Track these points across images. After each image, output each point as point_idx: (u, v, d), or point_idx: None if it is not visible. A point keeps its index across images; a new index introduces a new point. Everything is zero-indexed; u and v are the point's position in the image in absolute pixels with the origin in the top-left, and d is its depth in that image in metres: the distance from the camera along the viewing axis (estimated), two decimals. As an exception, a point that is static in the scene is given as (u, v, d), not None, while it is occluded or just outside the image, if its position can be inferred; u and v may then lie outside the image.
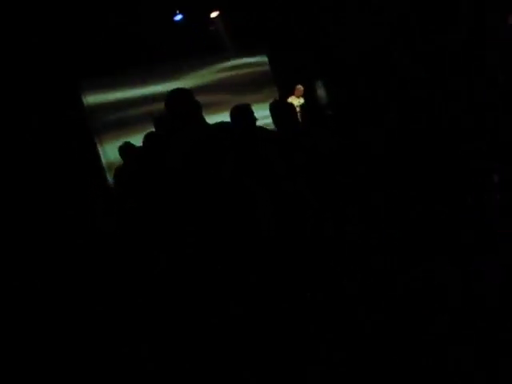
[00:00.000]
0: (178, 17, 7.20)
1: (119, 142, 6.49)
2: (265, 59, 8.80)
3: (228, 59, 8.15)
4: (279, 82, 8.65)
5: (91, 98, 6.60)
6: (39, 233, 4.67)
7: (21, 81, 5.40)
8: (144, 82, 7.04)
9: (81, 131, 6.16)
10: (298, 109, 4.65)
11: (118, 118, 6.79)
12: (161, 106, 2.65)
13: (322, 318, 2.65)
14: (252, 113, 3.21)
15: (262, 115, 3.56)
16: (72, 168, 5.61)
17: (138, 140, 6.47)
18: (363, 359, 2.61)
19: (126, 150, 4.33)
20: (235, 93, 7.60)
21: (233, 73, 8.24)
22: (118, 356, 2.93)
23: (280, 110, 3.43)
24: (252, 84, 8.31)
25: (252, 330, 2.32)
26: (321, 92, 8.18)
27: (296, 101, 7.37)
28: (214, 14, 7.68)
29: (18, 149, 5.28)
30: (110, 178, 6.35)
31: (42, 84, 5.63)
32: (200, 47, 7.35)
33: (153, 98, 6.87)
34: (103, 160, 6.54)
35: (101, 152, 6.54)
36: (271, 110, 3.42)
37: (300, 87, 7.77)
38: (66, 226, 4.79)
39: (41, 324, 3.38)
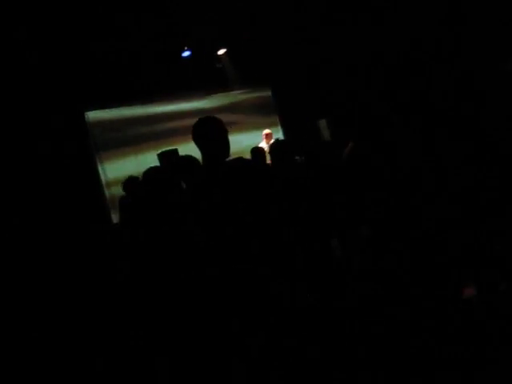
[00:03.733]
0: (186, 53, 7.36)
1: (120, 160, 6.64)
2: (269, 94, 8.95)
3: (232, 91, 8.31)
4: (283, 118, 8.77)
5: (92, 115, 6.66)
6: (37, 244, 4.72)
7: (24, 99, 5.49)
8: (146, 103, 7.19)
9: (82, 148, 6.21)
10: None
11: (119, 136, 6.86)
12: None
13: (321, 320, 2.69)
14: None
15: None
16: (71, 183, 5.66)
17: (138, 159, 6.72)
18: (362, 361, 2.64)
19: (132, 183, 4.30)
20: (236, 119, 7.77)
21: (236, 102, 8.39)
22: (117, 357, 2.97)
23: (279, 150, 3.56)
24: (254, 113, 8.51)
25: (252, 329, 2.34)
26: (324, 130, 8.13)
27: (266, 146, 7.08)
28: (220, 52, 7.87)
29: (19, 163, 5.34)
30: (108, 192, 6.44)
31: (46, 103, 5.71)
32: (206, 83, 7.54)
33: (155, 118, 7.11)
34: (103, 178, 6.58)
35: (100, 170, 6.59)
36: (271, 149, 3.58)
37: (268, 132, 7.33)
38: (64, 233, 4.85)
39: (41, 325, 3.42)
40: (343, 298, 3.10)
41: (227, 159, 2.50)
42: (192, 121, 2.53)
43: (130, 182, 4.26)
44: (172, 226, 2.85)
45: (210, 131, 2.46)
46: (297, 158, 6.08)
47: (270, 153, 3.68)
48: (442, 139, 3.89)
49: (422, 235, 3.42)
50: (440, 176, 3.65)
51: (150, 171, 3.54)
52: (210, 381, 2.47)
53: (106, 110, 6.79)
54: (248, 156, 4.61)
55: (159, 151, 4.43)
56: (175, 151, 4.16)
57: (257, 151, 4.64)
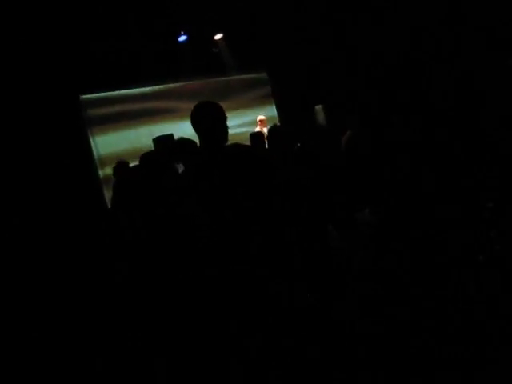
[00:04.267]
0: (182, 37, 7.35)
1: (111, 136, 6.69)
2: (265, 78, 8.97)
3: (229, 75, 8.30)
4: (279, 103, 8.80)
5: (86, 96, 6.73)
6: (30, 230, 4.70)
7: (18, 78, 5.51)
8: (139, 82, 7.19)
9: (74, 124, 6.21)
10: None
11: (111, 112, 6.94)
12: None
13: (321, 320, 2.68)
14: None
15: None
16: (64, 162, 5.64)
17: (130, 135, 6.75)
18: (362, 361, 2.64)
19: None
20: (229, 100, 7.77)
21: (231, 84, 8.37)
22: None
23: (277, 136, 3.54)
24: (250, 96, 8.57)
25: (251, 329, 2.34)
26: (320, 116, 8.19)
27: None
28: (217, 37, 7.86)
29: (11, 143, 5.34)
30: (101, 172, 6.48)
31: (39, 83, 5.70)
32: (202, 67, 7.55)
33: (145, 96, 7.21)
34: (95, 154, 6.64)
35: (93, 146, 6.63)
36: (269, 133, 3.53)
37: (262, 118, 7.46)
38: (59, 221, 4.83)
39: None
40: (343, 298, 3.09)
41: (225, 144, 2.47)
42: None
43: (119, 167, 4.22)
44: (170, 209, 2.84)
45: (209, 116, 2.43)
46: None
47: (267, 138, 3.64)
48: (442, 139, 3.89)
49: (422, 235, 3.42)
50: (440, 176, 3.65)
51: (146, 156, 3.54)
52: (208, 381, 2.47)
53: (102, 94, 6.84)
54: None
55: (155, 136, 4.43)
56: (170, 136, 4.16)
57: (256, 136, 4.55)
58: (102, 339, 3.21)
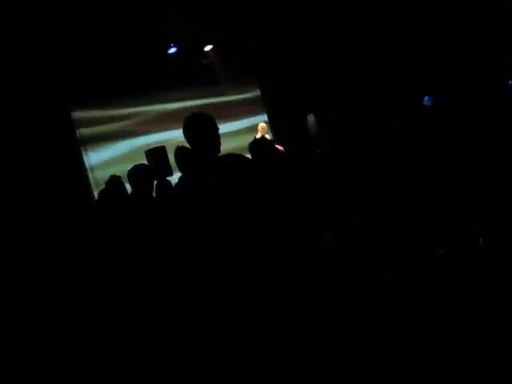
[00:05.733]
0: (172, 49, 7.24)
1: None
2: (257, 92, 8.89)
3: (220, 90, 8.16)
4: (271, 115, 8.73)
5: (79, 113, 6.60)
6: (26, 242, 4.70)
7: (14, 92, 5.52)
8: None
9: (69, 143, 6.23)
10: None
11: (105, 131, 6.87)
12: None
13: (321, 320, 2.69)
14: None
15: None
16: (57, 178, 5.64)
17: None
18: (362, 361, 2.64)
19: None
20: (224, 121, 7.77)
21: (224, 102, 8.21)
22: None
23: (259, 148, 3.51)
24: (242, 114, 8.48)
25: (250, 329, 2.34)
26: (313, 126, 8.20)
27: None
28: (207, 48, 7.78)
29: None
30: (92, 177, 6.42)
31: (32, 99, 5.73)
32: (193, 80, 7.47)
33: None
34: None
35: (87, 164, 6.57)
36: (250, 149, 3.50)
37: (263, 125, 7.55)
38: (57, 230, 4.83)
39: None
40: (343, 298, 3.09)
41: (218, 155, 2.48)
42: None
43: (113, 181, 4.21)
44: (169, 209, 2.84)
45: (201, 128, 2.44)
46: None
47: (249, 150, 3.63)
48: (442, 139, 3.89)
49: (422, 235, 3.42)
50: (440, 176, 3.66)
51: (137, 169, 3.54)
52: (208, 381, 2.47)
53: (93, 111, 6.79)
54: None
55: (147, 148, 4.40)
56: (162, 148, 4.14)
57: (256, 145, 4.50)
58: (101, 339, 3.21)
